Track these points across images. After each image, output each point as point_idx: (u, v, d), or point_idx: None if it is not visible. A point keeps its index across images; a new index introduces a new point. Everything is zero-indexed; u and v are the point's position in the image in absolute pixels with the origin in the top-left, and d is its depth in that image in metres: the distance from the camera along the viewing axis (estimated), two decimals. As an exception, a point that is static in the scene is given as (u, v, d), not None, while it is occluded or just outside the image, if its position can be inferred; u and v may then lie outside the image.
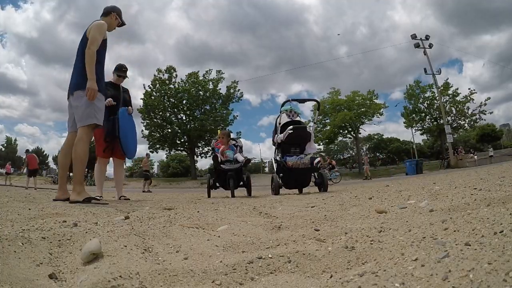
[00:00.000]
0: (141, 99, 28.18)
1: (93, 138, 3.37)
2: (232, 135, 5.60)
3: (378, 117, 30.53)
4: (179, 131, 28.09)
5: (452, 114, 27.16)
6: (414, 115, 28.96)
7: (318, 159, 4.69)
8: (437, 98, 25.45)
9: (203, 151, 29.33)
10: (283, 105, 5.14)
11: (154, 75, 28.56)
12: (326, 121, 29.98)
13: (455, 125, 27.28)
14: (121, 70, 4.14)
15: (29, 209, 1.92)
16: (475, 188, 1.66)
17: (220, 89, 28.76)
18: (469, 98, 26.44)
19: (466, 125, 27.85)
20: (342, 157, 51.17)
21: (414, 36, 23.57)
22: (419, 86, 28.92)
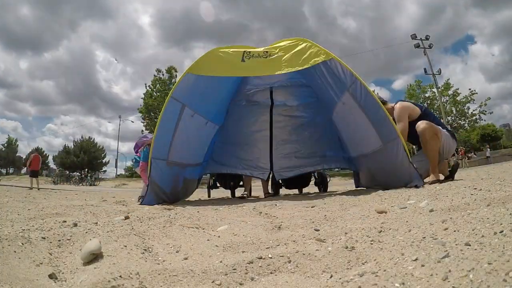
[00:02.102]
0: (141, 98, 28.27)
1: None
2: None
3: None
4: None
5: (452, 114, 27.16)
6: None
7: None
8: (437, 98, 25.47)
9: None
10: None
11: (154, 75, 28.61)
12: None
13: (455, 125, 27.28)
14: None
15: (29, 209, 1.92)
16: (475, 188, 1.65)
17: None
18: (469, 99, 26.45)
19: (466, 125, 27.87)
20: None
21: (414, 36, 23.56)
22: (419, 86, 28.95)
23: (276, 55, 2.88)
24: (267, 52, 2.92)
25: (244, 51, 2.90)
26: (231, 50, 2.96)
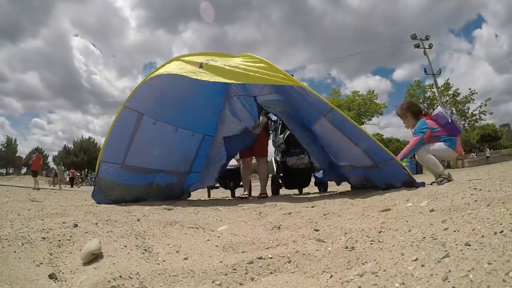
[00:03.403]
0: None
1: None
2: None
3: (378, 117, 30.68)
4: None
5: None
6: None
7: None
8: (437, 98, 25.50)
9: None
10: None
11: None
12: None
13: (455, 125, 27.28)
14: None
15: (29, 209, 1.92)
16: (475, 188, 1.65)
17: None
18: (469, 99, 26.50)
19: (466, 125, 27.90)
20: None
21: (414, 36, 23.53)
22: (419, 86, 28.99)
23: (237, 65, 2.71)
24: (227, 60, 2.83)
25: (202, 62, 2.78)
26: (190, 57, 2.91)
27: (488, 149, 25.41)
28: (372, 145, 2.74)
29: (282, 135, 4.80)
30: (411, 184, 2.70)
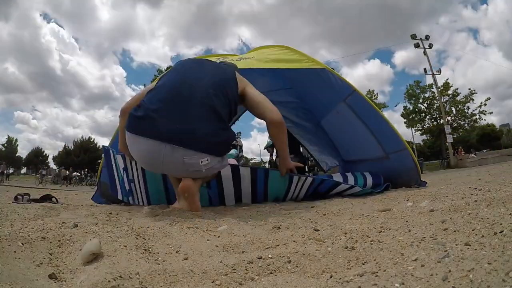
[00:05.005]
0: (141, 99, 28.42)
1: None
2: None
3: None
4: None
5: (452, 114, 27.22)
6: (414, 115, 29.05)
7: None
8: (437, 98, 25.52)
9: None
10: None
11: (155, 75, 28.74)
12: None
13: (455, 125, 27.33)
14: None
15: (28, 209, 1.92)
16: (475, 188, 1.65)
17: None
18: (469, 98, 26.52)
19: (466, 125, 27.94)
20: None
21: (414, 36, 23.54)
22: (419, 86, 29.02)
23: (251, 57, 2.72)
24: (242, 56, 2.82)
25: (217, 59, 2.83)
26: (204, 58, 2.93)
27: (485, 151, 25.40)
28: (388, 131, 2.74)
29: None
30: (415, 181, 2.70)
